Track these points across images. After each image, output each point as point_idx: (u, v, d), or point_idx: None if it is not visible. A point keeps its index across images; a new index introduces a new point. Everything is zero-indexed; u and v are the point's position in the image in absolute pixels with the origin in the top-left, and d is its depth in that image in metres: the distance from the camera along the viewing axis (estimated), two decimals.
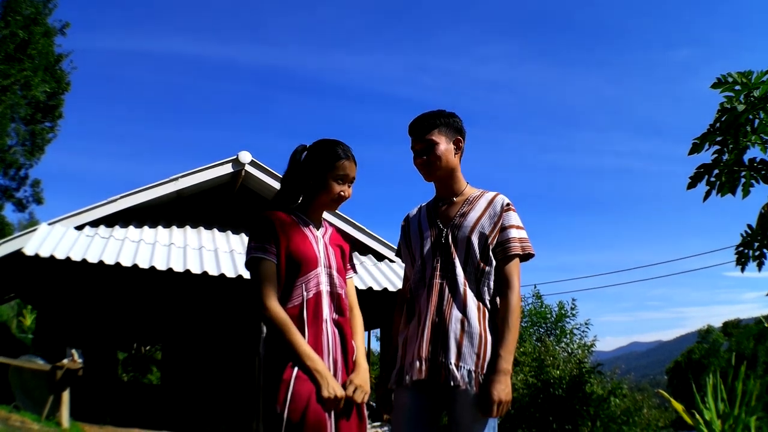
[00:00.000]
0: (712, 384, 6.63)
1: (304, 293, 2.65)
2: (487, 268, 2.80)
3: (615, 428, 12.29)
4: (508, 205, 2.88)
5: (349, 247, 3.02)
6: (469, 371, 2.64)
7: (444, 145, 2.87)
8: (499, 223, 2.83)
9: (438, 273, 2.80)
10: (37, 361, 9.34)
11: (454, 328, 2.70)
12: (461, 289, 2.75)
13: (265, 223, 2.71)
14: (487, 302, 2.78)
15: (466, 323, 2.70)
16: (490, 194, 2.93)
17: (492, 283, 2.80)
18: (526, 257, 2.87)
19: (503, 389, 2.61)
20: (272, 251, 2.66)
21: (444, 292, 2.77)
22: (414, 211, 3.09)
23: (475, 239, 2.80)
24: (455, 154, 2.92)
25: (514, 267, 2.81)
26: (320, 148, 2.83)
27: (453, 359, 2.66)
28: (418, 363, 2.69)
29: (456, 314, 2.72)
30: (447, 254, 2.82)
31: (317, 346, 2.60)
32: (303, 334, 2.59)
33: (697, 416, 6.56)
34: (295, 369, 2.53)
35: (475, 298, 2.76)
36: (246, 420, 11.75)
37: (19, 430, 7.68)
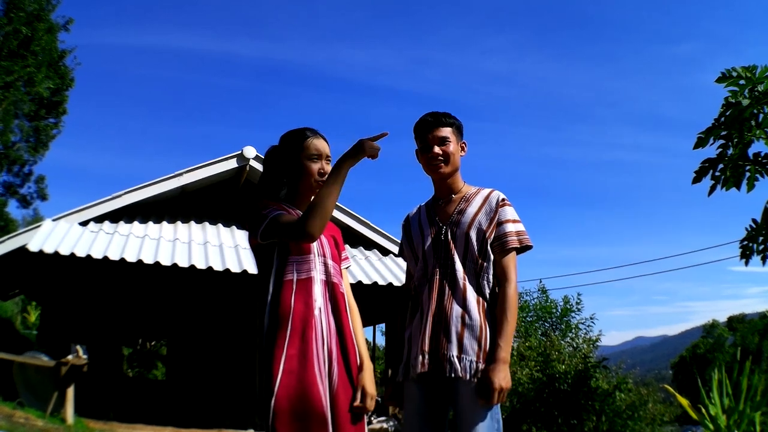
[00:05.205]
0: (717, 379, 6.63)
1: (295, 274, 2.67)
2: (485, 262, 2.90)
3: (620, 423, 12.29)
4: (503, 200, 2.98)
5: (341, 236, 3.05)
6: (471, 362, 2.73)
7: (454, 145, 2.99)
8: (495, 219, 2.92)
9: (438, 269, 2.90)
10: (42, 358, 9.37)
11: (455, 322, 2.79)
12: (461, 284, 2.85)
13: (263, 202, 2.75)
14: (487, 295, 2.87)
15: (466, 317, 2.79)
16: (486, 191, 3.03)
17: (491, 277, 2.90)
18: (523, 249, 2.97)
19: (503, 377, 2.69)
20: (282, 208, 2.71)
21: (444, 287, 2.86)
22: (414, 210, 3.20)
23: (473, 235, 2.89)
24: (460, 155, 3.04)
25: (511, 260, 2.90)
26: (287, 136, 2.89)
27: (455, 352, 2.75)
28: (421, 357, 2.79)
29: (456, 309, 2.81)
30: (446, 251, 2.91)
31: (307, 333, 2.59)
32: (289, 311, 2.60)
33: (703, 411, 6.56)
34: (282, 363, 2.53)
35: (474, 292, 2.85)
36: (249, 415, 11.77)
37: (23, 426, 7.70)
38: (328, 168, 2.81)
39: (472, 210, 2.95)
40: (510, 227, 2.91)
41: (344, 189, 2.86)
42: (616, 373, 13.45)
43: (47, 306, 12.74)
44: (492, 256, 2.90)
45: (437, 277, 2.89)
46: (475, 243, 2.89)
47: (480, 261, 2.89)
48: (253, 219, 2.71)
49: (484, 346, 2.77)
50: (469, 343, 2.76)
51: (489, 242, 2.90)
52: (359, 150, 2.62)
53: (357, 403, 2.64)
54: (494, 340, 2.77)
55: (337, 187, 2.61)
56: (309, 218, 2.54)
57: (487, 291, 2.88)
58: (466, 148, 3.07)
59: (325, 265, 2.76)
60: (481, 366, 2.73)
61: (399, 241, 11.53)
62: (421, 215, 3.11)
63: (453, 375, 2.73)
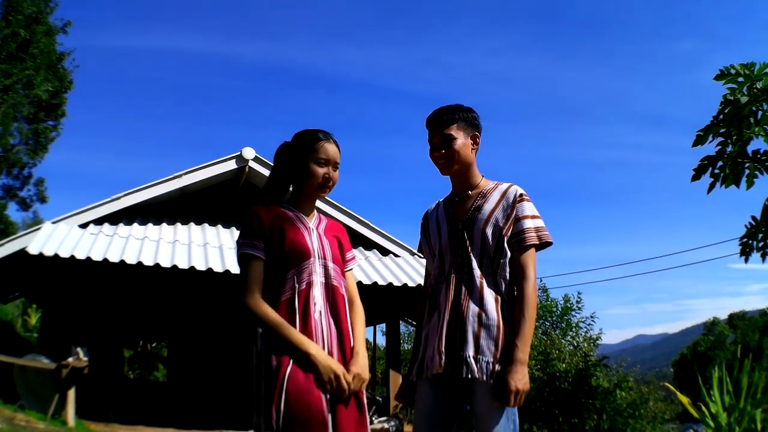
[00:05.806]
0: (718, 376, 6.63)
1: (296, 285, 2.64)
2: (502, 260, 2.82)
3: (621, 421, 12.27)
4: (521, 195, 2.88)
5: (347, 236, 3.01)
6: (488, 362, 2.67)
7: (462, 140, 2.88)
8: (513, 215, 2.83)
9: (455, 267, 2.83)
10: (42, 360, 9.36)
11: (472, 321, 2.72)
12: (477, 283, 2.77)
13: (254, 219, 2.69)
14: (504, 293, 2.80)
15: (483, 316, 2.72)
16: (504, 186, 2.93)
17: (508, 275, 2.82)
18: (543, 245, 2.87)
19: (520, 379, 2.63)
20: (261, 247, 2.66)
21: (461, 286, 2.79)
22: (432, 207, 3.12)
23: (489, 232, 2.81)
24: (472, 149, 2.94)
25: (530, 257, 2.82)
26: (300, 136, 2.83)
27: (471, 352, 2.68)
28: (437, 357, 2.73)
29: (473, 308, 2.74)
30: (463, 248, 2.84)
31: (307, 336, 2.58)
32: (294, 326, 2.57)
33: (703, 409, 6.57)
34: (290, 366, 2.52)
35: (492, 291, 2.78)
36: (250, 416, 11.77)
37: (25, 429, 7.70)
38: (334, 175, 2.78)
39: (488, 206, 2.86)
40: (528, 223, 2.82)
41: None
42: (616, 371, 13.44)
43: (48, 308, 12.72)
44: (509, 253, 2.82)
45: (453, 275, 2.82)
46: (491, 240, 2.80)
47: (497, 258, 2.81)
48: (239, 235, 2.71)
49: (501, 346, 2.70)
50: (486, 343, 2.69)
51: (506, 239, 2.81)
52: (314, 363, 2.54)
53: (353, 369, 2.62)
54: (511, 340, 2.70)
55: (283, 339, 2.57)
56: (252, 313, 2.60)
57: (504, 289, 2.80)
58: (479, 140, 2.95)
59: (326, 267, 2.73)
60: (497, 367, 2.67)
61: (399, 241, 11.60)
62: (438, 212, 3.03)
63: (469, 376, 2.67)
